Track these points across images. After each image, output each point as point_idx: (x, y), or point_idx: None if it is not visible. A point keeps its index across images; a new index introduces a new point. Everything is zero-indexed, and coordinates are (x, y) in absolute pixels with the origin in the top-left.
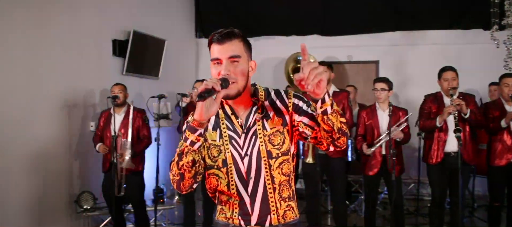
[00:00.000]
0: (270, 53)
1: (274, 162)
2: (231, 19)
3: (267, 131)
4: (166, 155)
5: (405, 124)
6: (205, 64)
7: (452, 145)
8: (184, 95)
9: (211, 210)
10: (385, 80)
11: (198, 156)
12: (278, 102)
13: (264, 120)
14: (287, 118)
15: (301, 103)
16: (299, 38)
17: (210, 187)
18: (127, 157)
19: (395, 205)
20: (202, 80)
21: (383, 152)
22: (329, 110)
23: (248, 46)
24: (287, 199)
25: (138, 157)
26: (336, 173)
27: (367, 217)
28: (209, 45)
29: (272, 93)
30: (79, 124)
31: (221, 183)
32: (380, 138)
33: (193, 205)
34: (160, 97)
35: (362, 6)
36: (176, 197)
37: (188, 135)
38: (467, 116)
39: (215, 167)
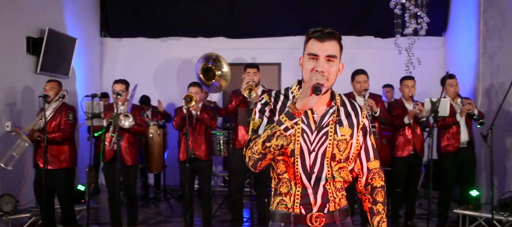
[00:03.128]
0: (176, 54)
1: (336, 165)
2: (137, 19)
3: (337, 136)
4: None
5: None
6: (110, 63)
7: None
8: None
9: (136, 211)
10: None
11: (287, 142)
12: (352, 115)
13: (337, 125)
14: (355, 133)
15: (368, 128)
16: (205, 39)
17: (278, 171)
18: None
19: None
20: (120, 81)
21: None
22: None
23: (342, 49)
24: (340, 189)
25: (66, 153)
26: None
27: None
28: (307, 39)
29: (347, 103)
30: None
31: (289, 170)
32: None
33: (119, 205)
34: (93, 96)
35: (266, 10)
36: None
37: (285, 121)
38: (377, 114)
39: (285, 154)
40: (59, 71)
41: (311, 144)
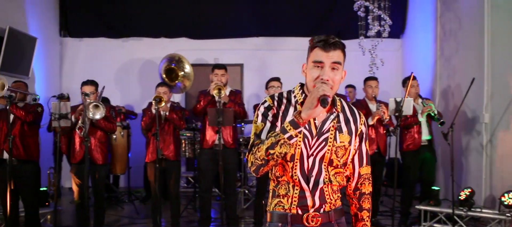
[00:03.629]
0: (138, 54)
1: (332, 169)
2: (98, 19)
3: (336, 143)
4: None
5: None
6: (69, 64)
7: None
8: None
9: (103, 212)
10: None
11: (290, 150)
12: (351, 121)
13: (337, 131)
14: (353, 139)
15: (365, 134)
16: (168, 40)
17: (277, 174)
18: None
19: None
20: (89, 82)
21: None
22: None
23: (345, 57)
24: (336, 191)
25: (30, 147)
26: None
27: None
28: (312, 48)
29: (347, 109)
30: None
31: (286, 173)
32: None
33: (87, 208)
34: (60, 97)
35: (228, 12)
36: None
37: (289, 129)
38: None
39: (284, 158)
40: (19, 71)
41: (311, 149)
